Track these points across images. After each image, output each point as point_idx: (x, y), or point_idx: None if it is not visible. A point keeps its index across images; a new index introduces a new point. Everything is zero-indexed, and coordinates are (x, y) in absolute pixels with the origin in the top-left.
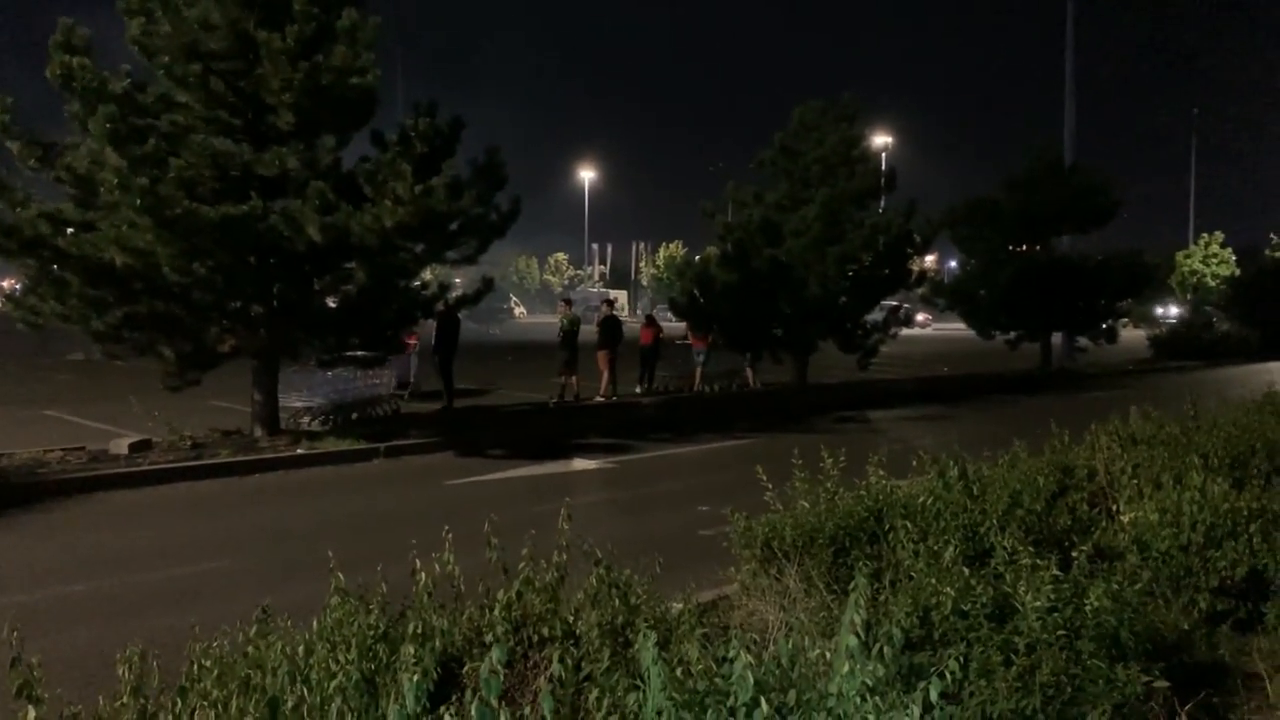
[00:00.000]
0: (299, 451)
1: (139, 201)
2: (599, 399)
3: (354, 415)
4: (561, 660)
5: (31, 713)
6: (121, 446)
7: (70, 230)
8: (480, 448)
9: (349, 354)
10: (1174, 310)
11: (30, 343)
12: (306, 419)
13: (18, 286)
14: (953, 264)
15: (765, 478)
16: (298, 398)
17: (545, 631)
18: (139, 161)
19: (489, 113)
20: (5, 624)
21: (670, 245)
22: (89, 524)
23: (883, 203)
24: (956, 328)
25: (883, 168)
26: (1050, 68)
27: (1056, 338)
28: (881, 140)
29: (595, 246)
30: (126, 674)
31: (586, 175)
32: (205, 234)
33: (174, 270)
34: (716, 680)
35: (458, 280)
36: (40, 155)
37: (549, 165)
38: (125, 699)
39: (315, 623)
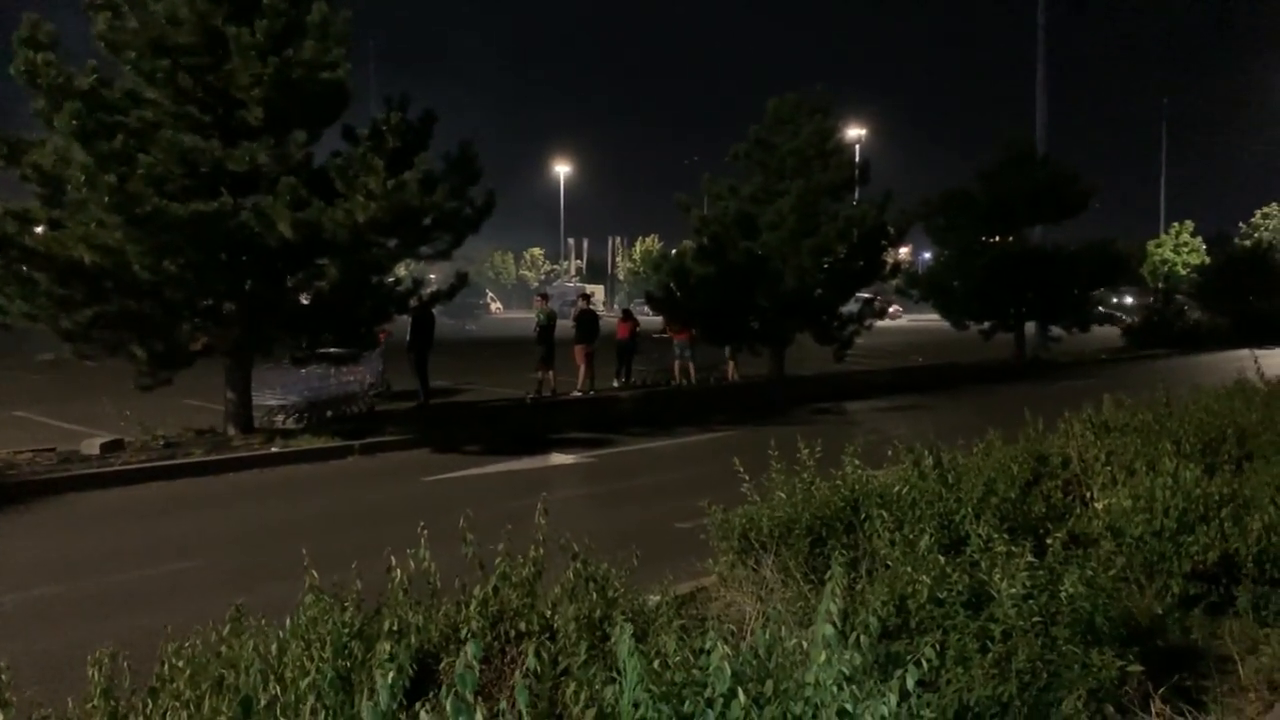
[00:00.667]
0: (273, 450)
1: (107, 199)
2: (576, 394)
3: (328, 413)
4: (537, 654)
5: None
6: (93, 447)
7: (38, 228)
8: (457, 444)
9: (323, 351)
10: (1129, 300)
11: (5, 343)
12: (281, 417)
13: None
14: (927, 255)
15: (743, 470)
16: (272, 396)
17: (522, 626)
18: (107, 158)
19: (463, 107)
20: None
21: (647, 239)
22: (60, 525)
23: (857, 195)
24: (930, 319)
25: (857, 160)
26: (1025, 59)
27: (1030, 327)
28: (856, 133)
29: (571, 241)
30: (97, 675)
31: (562, 170)
32: (175, 231)
33: (144, 268)
34: (694, 671)
35: (432, 276)
36: (5, 153)
37: (524, 160)
38: (96, 700)
39: (289, 621)
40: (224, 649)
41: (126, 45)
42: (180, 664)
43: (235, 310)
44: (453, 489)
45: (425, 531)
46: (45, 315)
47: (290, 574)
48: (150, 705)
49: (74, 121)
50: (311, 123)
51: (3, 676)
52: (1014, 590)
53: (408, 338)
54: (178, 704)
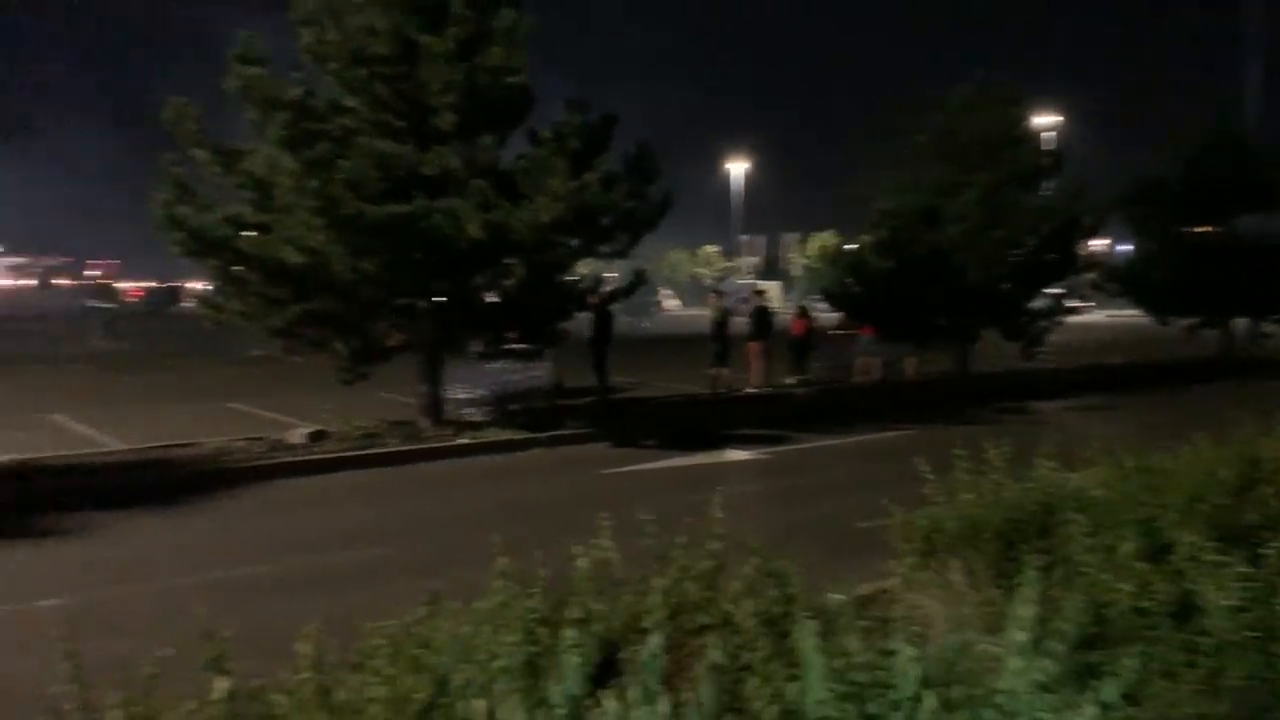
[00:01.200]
0: (462, 441)
1: (312, 203)
2: (751, 390)
3: (514, 406)
4: (719, 647)
5: (223, 684)
6: (298, 436)
7: (249, 232)
8: (633, 438)
9: (508, 347)
10: None
11: (215, 340)
12: (469, 410)
13: (209, 288)
14: (1124, 247)
15: (925, 469)
16: (461, 390)
17: (702, 619)
18: (312, 164)
19: (636, 104)
20: (195, 601)
21: (822, 234)
22: (268, 509)
23: (1048, 185)
24: (1128, 314)
25: (1048, 148)
26: (1224, 38)
27: (1242, 323)
28: (1047, 120)
29: (746, 237)
30: (306, 650)
31: (737, 166)
32: (373, 233)
33: (344, 268)
34: (879, 673)
35: (611, 274)
36: (222, 161)
37: (698, 156)
38: (306, 673)
39: (479, 605)
40: (420, 630)
41: (329, 57)
42: (381, 642)
43: (427, 308)
44: (630, 482)
45: (605, 523)
46: (256, 313)
47: (478, 560)
48: (355, 680)
49: (283, 131)
50: (498, 126)
51: (225, 648)
52: (1226, 602)
53: (587, 335)
54: (377, 680)
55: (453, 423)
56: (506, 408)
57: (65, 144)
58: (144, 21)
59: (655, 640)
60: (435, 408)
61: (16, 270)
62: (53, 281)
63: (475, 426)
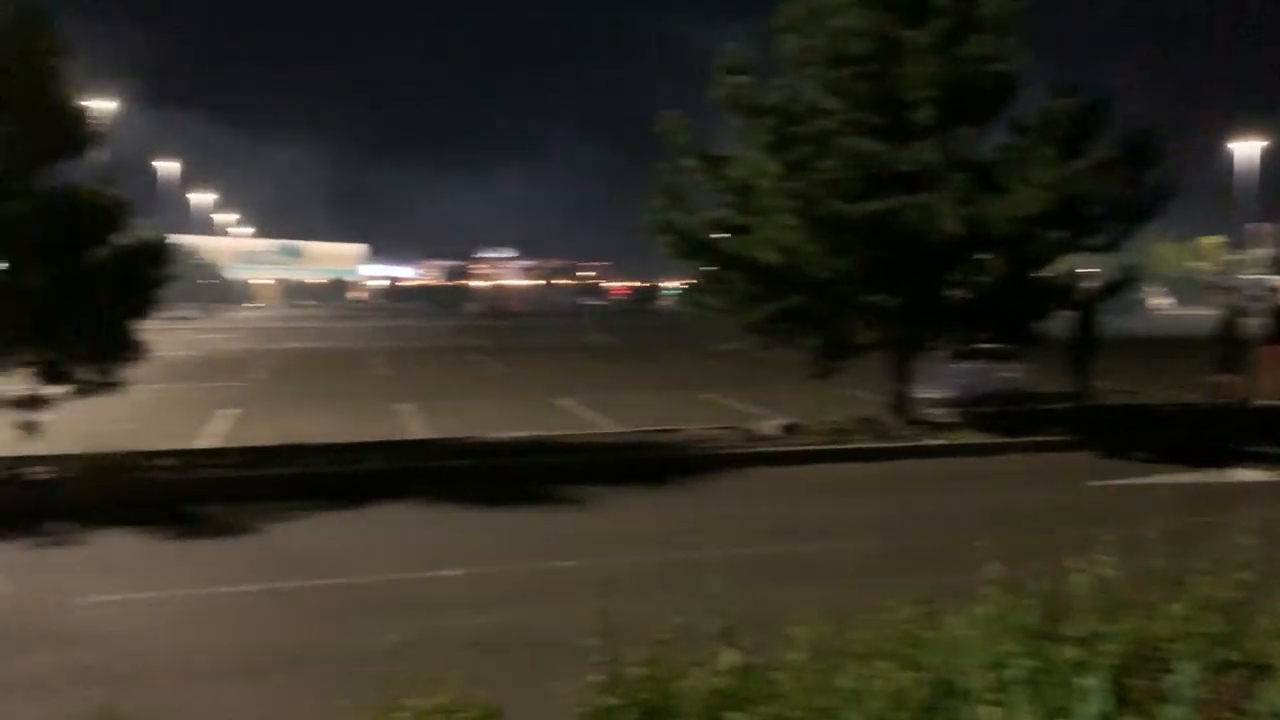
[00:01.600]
0: (932, 442)
1: (790, 204)
2: (1265, 402)
3: (984, 409)
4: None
5: (733, 656)
6: (768, 428)
7: (730, 233)
8: (1121, 449)
9: (981, 346)
10: None
11: (688, 335)
12: (936, 410)
13: (683, 286)
14: None
15: None
16: (930, 388)
17: (1230, 655)
18: (792, 166)
19: (1126, 73)
20: (687, 575)
21: None
22: (746, 495)
23: None
24: None
25: None
26: None
27: None
28: None
29: (1261, 226)
30: (802, 634)
31: (1244, 145)
32: (848, 231)
33: (819, 267)
34: None
35: (1094, 270)
36: (706, 168)
37: (1194, 134)
38: (802, 655)
39: (975, 611)
40: (912, 627)
41: (810, 61)
42: (881, 636)
43: (897, 305)
44: (1119, 497)
45: (1097, 540)
46: (733, 310)
47: (958, 563)
48: (853, 669)
49: (768, 135)
50: (979, 117)
51: (732, 623)
52: None
53: (1067, 335)
54: (874, 673)
55: (920, 422)
56: (976, 410)
57: (567, 160)
58: (622, 43)
59: (1190, 670)
60: (904, 406)
61: (527, 272)
62: (554, 281)
63: (944, 427)
